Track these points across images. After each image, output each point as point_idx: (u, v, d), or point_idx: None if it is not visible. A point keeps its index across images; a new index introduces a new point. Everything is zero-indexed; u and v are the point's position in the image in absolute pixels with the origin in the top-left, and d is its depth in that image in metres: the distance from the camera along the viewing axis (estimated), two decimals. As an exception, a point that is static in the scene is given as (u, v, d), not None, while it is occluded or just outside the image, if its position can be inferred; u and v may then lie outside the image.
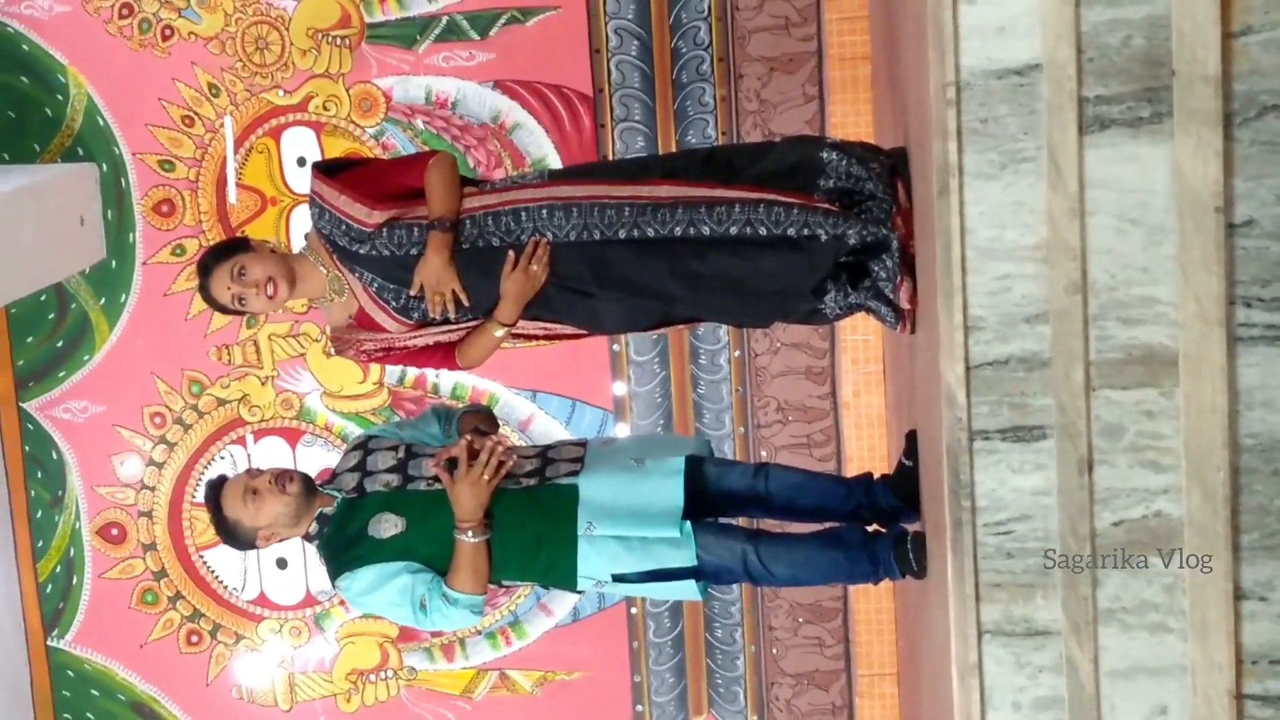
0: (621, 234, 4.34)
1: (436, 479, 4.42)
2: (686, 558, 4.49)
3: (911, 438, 4.60)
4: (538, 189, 4.43)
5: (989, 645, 3.67)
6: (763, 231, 4.26)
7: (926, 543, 4.34)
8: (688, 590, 4.61)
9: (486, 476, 4.36)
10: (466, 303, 4.42)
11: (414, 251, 4.36)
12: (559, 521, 4.46)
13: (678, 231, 4.30)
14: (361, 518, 4.46)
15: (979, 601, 3.65)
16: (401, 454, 4.56)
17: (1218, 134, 3.15)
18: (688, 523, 4.48)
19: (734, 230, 4.27)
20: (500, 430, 4.83)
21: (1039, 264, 3.51)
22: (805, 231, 4.23)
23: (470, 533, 4.37)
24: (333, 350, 4.80)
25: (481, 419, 4.70)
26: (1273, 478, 3.25)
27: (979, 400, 3.59)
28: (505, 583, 4.64)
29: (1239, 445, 3.26)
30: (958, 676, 3.74)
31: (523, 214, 4.38)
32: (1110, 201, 3.38)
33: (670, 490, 4.49)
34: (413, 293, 4.41)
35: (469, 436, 4.46)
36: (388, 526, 4.44)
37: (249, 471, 4.55)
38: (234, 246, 4.56)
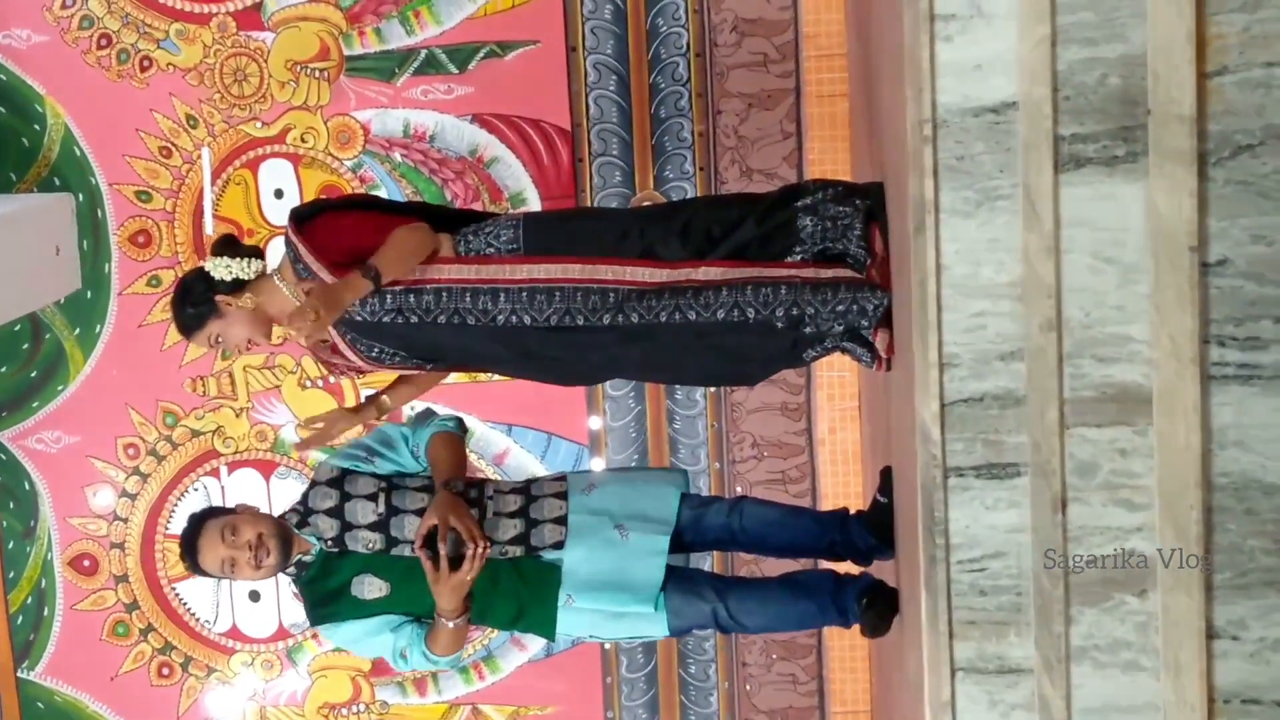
0: (605, 320, 4.31)
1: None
2: (660, 629, 4.58)
3: (887, 474, 4.60)
4: (516, 266, 4.37)
5: (962, 683, 3.66)
6: (750, 314, 4.24)
7: (892, 599, 4.34)
8: (657, 634, 4.72)
9: (470, 578, 4.34)
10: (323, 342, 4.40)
11: (385, 319, 4.34)
12: (541, 597, 4.50)
13: (663, 318, 4.28)
14: (343, 575, 4.46)
15: (952, 639, 3.65)
16: (382, 509, 4.49)
17: (1192, 173, 3.16)
18: (662, 595, 4.52)
19: (721, 314, 4.25)
20: (467, 436, 4.77)
21: (1014, 301, 3.52)
22: (794, 312, 4.22)
23: (452, 622, 4.38)
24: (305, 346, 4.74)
25: (449, 453, 4.57)
26: (1245, 517, 3.25)
27: (953, 437, 3.59)
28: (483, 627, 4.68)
29: (1212, 484, 3.26)
30: (930, 714, 3.73)
31: (501, 295, 4.34)
32: (1085, 240, 3.39)
33: (652, 570, 4.51)
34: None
35: (448, 510, 4.33)
36: (371, 589, 4.43)
37: (223, 531, 4.42)
38: (205, 311, 4.46)
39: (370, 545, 4.44)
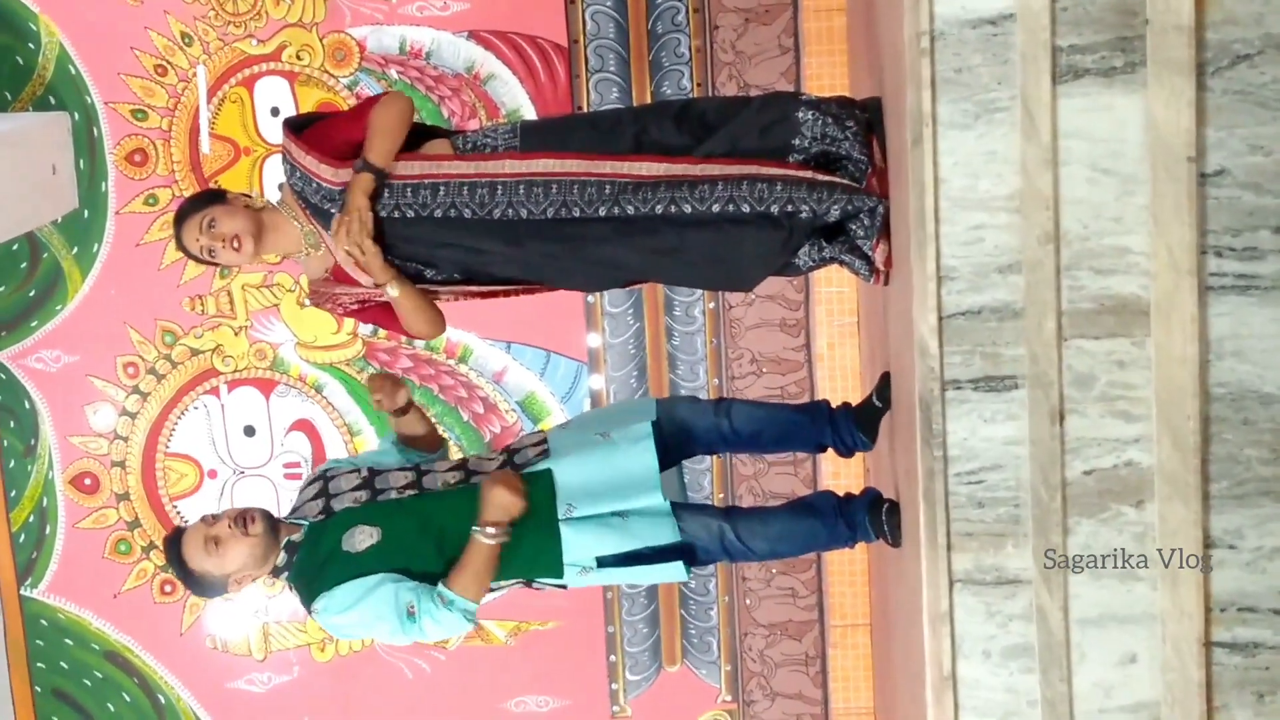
0: (601, 211, 4.31)
1: (407, 488, 4.38)
2: (669, 534, 4.42)
3: (886, 378, 4.59)
4: (516, 160, 4.37)
5: (960, 594, 3.69)
6: (745, 209, 4.24)
7: (900, 512, 4.34)
8: (672, 572, 4.50)
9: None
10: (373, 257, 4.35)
11: (380, 213, 4.34)
12: (538, 508, 4.31)
13: (659, 210, 4.28)
14: (333, 536, 4.33)
15: (950, 550, 3.67)
16: (365, 473, 4.47)
17: (1190, 83, 3.16)
18: (667, 501, 4.45)
19: (716, 208, 4.25)
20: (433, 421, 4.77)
21: (1012, 214, 3.53)
22: (789, 209, 4.22)
23: (492, 532, 4.21)
24: (309, 302, 4.76)
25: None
26: (1242, 427, 3.27)
27: (951, 350, 3.60)
28: (491, 586, 4.43)
29: (1209, 394, 3.28)
30: (929, 625, 3.76)
31: (498, 188, 4.34)
32: (1083, 151, 3.39)
33: (643, 457, 4.42)
34: (332, 235, 4.37)
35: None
36: (363, 538, 4.28)
37: (205, 519, 4.39)
38: (209, 198, 4.53)
39: (357, 500, 4.39)
